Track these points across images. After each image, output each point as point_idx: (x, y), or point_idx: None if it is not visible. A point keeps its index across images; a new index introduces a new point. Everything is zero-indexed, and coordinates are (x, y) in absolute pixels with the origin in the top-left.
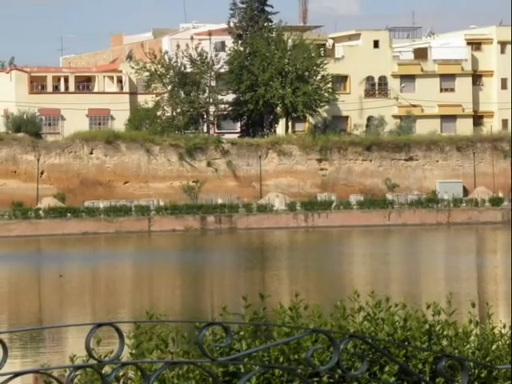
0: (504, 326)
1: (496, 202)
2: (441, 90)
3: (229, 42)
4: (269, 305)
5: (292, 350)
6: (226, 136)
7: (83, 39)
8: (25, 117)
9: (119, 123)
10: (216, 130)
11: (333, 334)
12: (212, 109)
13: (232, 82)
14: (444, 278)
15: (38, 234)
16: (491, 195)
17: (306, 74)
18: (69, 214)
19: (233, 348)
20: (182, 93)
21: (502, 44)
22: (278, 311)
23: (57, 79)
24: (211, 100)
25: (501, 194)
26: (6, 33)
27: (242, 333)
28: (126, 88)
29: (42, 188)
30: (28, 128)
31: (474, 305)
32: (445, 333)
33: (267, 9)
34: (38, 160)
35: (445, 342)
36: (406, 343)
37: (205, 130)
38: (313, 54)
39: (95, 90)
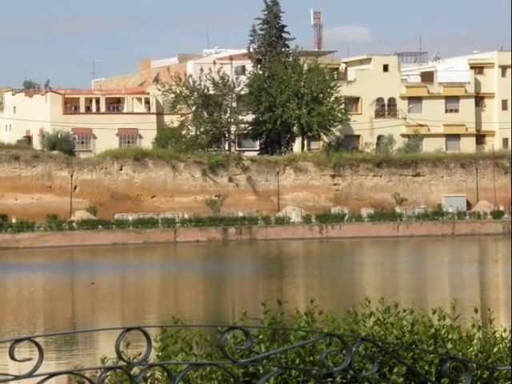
0: (504, 330)
1: (497, 214)
2: (446, 111)
3: (249, 66)
4: (286, 310)
5: (307, 353)
6: (246, 153)
7: (113, 63)
8: (59, 136)
9: (147, 141)
10: (237, 148)
11: (345, 337)
12: (233, 128)
13: (252, 103)
14: (449, 286)
15: (71, 244)
16: (493, 208)
17: (321, 95)
18: (100, 226)
19: (252, 350)
20: (205, 113)
21: (503, 68)
22: (294, 316)
23: (89, 101)
24: (232, 120)
25: (501, 208)
26: (42, 57)
27: (261, 336)
28: (153, 109)
29: (75, 202)
30: (62, 146)
31: (476, 310)
32: (449, 336)
33: (284, 35)
34: (72, 176)
35: (449, 345)
36: (414, 346)
37: (226, 147)
38: (327, 78)
39: (124, 110)
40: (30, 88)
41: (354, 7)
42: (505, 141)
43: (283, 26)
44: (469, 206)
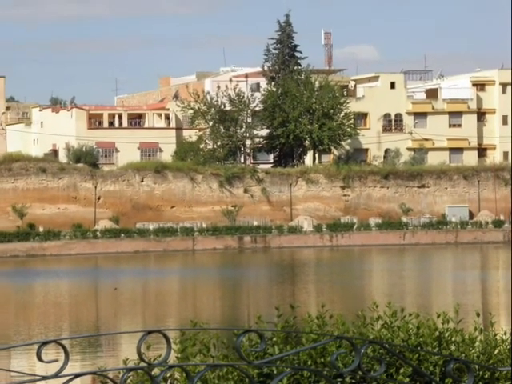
0: (505, 333)
1: (498, 224)
2: (449, 126)
3: (263, 83)
4: (298, 314)
5: (319, 354)
6: (261, 166)
7: (135, 81)
8: (84, 149)
9: (167, 155)
10: (252, 161)
11: (354, 339)
12: (248, 142)
13: (266, 118)
14: (452, 291)
15: (95, 252)
16: (494, 218)
17: (331, 111)
18: (122, 235)
19: (267, 352)
20: (222, 128)
21: (503, 85)
22: (306, 320)
23: (112, 116)
24: (247, 134)
25: (502, 217)
26: (67, 75)
27: (274, 339)
28: (173, 124)
29: (98, 212)
30: (87, 159)
31: (478, 314)
32: (453, 339)
33: (297, 54)
34: (96, 187)
35: (453, 347)
36: (419, 348)
37: (242, 160)
38: (337, 94)
39: (145, 125)
40: (56, 104)
41: (362, 28)
42: (505, 154)
43: (296, 46)
44: (471, 215)
